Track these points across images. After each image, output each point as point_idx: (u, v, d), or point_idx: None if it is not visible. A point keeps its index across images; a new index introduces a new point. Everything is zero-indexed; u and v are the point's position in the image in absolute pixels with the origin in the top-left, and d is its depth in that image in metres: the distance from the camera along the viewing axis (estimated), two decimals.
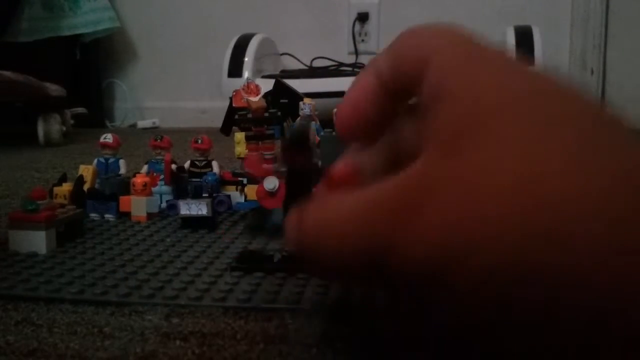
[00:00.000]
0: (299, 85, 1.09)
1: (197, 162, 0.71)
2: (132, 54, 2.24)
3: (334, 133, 0.70)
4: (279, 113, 0.73)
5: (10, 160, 1.23)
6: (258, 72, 1.80)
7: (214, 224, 0.60)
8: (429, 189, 0.18)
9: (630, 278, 0.14)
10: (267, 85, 0.84)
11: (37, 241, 0.51)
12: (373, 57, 0.26)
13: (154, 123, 2.13)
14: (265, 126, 0.71)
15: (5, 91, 1.44)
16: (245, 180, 0.70)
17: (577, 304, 0.15)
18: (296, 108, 0.75)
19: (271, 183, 0.62)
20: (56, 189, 0.63)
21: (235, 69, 1.79)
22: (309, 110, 0.74)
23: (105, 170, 0.70)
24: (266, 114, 0.71)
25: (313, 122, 0.74)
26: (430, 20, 0.22)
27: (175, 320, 0.37)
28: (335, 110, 0.73)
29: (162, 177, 0.69)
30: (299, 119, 0.75)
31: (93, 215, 0.64)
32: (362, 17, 2.04)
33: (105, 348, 0.33)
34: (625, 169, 0.15)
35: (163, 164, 0.69)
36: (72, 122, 1.70)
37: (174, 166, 0.69)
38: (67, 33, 1.96)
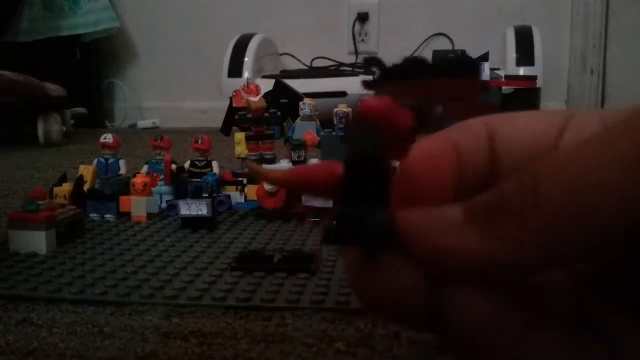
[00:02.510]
0: (299, 85, 1.09)
1: (197, 162, 0.71)
2: (132, 54, 2.24)
3: (334, 133, 0.70)
4: (279, 113, 0.73)
5: (10, 160, 1.23)
6: (258, 72, 1.81)
7: (214, 224, 0.60)
8: None
9: None
10: (267, 85, 0.84)
11: (37, 241, 0.51)
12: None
13: (154, 123, 2.13)
14: (265, 126, 0.71)
15: (5, 91, 1.44)
16: (245, 180, 0.70)
17: None
18: (296, 108, 0.75)
19: None
20: (56, 189, 0.63)
21: (235, 69, 1.79)
22: (309, 110, 0.74)
23: (105, 170, 0.70)
24: (266, 114, 0.71)
25: (313, 122, 0.74)
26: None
27: (175, 320, 0.37)
28: (335, 110, 0.73)
29: (162, 177, 0.69)
30: (299, 118, 0.75)
31: (93, 215, 0.64)
32: (362, 17, 2.04)
33: (105, 348, 0.33)
34: None
35: (163, 164, 0.69)
36: (72, 122, 1.70)
37: (174, 166, 0.69)
38: (67, 33, 1.96)
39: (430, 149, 0.20)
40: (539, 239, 0.16)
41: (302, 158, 0.65)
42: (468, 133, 0.21)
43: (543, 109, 1.67)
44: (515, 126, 0.20)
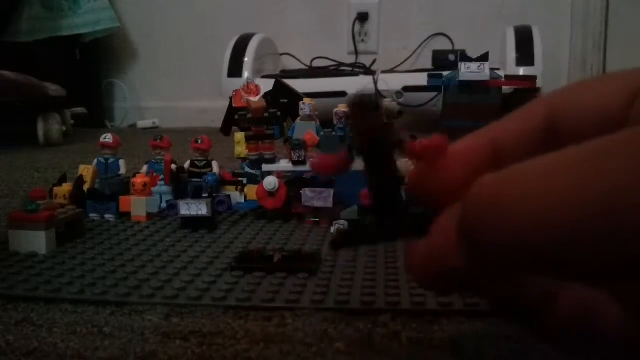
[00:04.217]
0: (299, 85, 1.09)
1: (197, 162, 0.71)
2: (132, 54, 2.24)
3: (334, 133, 0.70)
4: (279, 113, 0.73)
5: (10, 160, 1.23)
6: (258, 72, 1.80)
7: (214, 224, 0.60)
8: None
9: None
10: (267, 85, 0.84)
11: (37, 241, 0.51)
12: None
13: (154, 123, 2.13)
14: (265, 126, 0.71)
15: (5, 91, 1.44)
16: (245, 180, 0.70)
17: None
18: (296, 108, 0.75)
19: (271, 183, 0.62)
20: (56, 189, 0.63)
21: (235, 69, 1.79)
22: (309, 110, 0.74)
23: (105, 170, 0.70)
24: (266, 114, 0.71)
25: (313, 122, 0.74)
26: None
27: (175, 320, 0.37)
28: (335, 110, 0.73)
29: (162, 177, 0.69)
30: (299, 118, 0.75)
31: (93, 215, 0.64)
32: (362, 17, 2.04)
33: (105, 348, 0.33)
34: None
35: (163, 164, 0.69)
36: (72, 122, 1.70)
37: (174, 166, 0.69)
38: (67, 33, 1.96)
39: (462, 147, 0.23)
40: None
41: (302, 158, 0.65)
42: (515, 122, 0.23)
43: None
44: (581, 103, 0.21)
